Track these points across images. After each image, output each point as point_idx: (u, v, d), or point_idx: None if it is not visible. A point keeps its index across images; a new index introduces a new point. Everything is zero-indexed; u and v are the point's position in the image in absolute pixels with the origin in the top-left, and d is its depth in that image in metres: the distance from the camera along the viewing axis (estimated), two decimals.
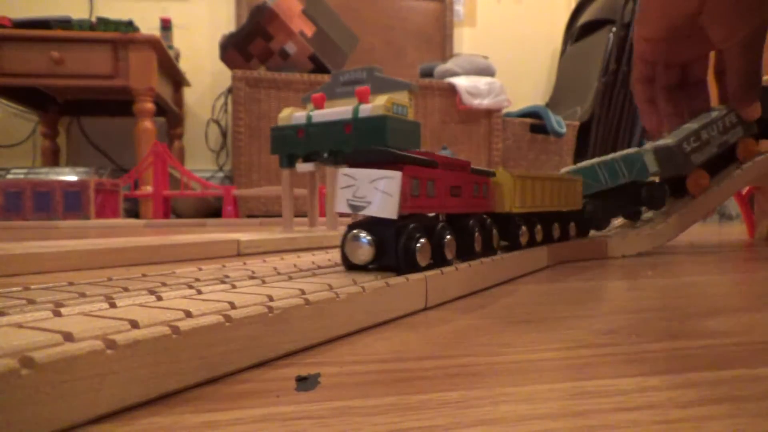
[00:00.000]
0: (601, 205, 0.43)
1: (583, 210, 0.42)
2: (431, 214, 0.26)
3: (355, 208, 0.22)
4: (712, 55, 0.49)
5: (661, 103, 0.49)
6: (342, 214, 0.25)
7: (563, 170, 0.45)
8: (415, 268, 0.23)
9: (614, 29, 2.03)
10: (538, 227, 0.35)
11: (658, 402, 0.12)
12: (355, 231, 0.22)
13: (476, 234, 0.28)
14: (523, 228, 0.33)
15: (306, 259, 0.28)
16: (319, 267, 0.26)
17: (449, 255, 0.25)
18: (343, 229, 0.61)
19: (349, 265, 0.23)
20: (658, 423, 0.11)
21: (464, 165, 0.28)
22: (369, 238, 0.22)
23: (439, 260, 0.25)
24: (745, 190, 0.63)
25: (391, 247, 0.22)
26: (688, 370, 0.14)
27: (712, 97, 0.50)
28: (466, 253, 0.27)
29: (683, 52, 0.47)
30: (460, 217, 0.28)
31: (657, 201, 0.45)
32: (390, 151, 0.22)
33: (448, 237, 0.25)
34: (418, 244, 0.22)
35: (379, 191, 0.21)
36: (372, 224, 0.22)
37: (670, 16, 0.44)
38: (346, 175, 0.22)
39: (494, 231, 0.30)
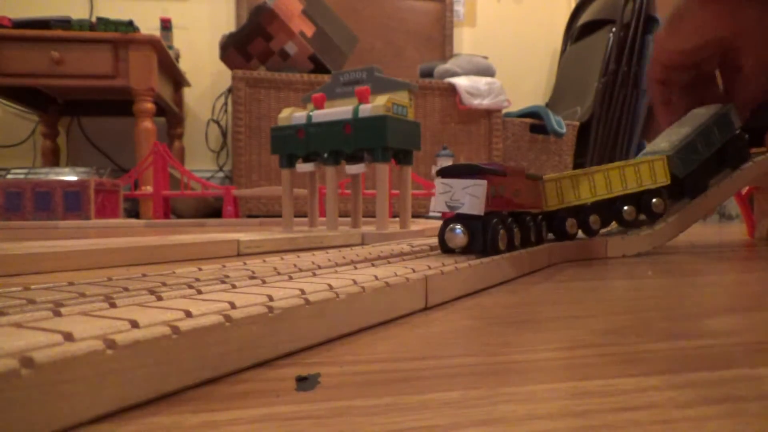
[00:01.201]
0: (695, 173, 0.45)
1: (680, 181, 0.45)
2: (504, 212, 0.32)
3: (452, 208, 0.29)
4: None
5: (677, 101, 0.50)
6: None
7: (649, 149, 0.46)
8: (497, 251, 0.29)
9: (614, 29, 2.03)
10: (594, 217, 0.41)
11: (658, 402, 0.12)
12: (451, 224, 0.29)
13: (531, 227, 0.35)
14: (571, 220, 0.40)
15: (306, 259, 0.28)
16: (320, 267, 0.26)
17: (516, 242, 0.32)
18: (343, 229, 0.61)
19: (445, 249, 0.30)
20: (658, 423, 0.11)
21: (521, 171, 0.34)
22: (462, 229, 0.29)
23: (510, 247, 0.31)
24: (745, 190, 0.63)
25: (479, 236, 0.29)
26: (688, 370, 0.14)
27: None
28: (524, 243, 0.34)
29: (701, 55, 0.47)
30: (520, 214, 0.34)
31: (742, 153, 0.47)
32: (477, 166, 0.29)
33: (516, 229, 0.32)
34: (499, 234, 0.29)
35: (470, 195, 0.28)
36: (464, 219, 0.29)
37: (703, 35, 0.45)
38: (443, 183, 0.29)
39: (543, 225, 0.38)
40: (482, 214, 0.28)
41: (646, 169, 0.42)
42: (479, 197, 0.28)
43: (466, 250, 0.30)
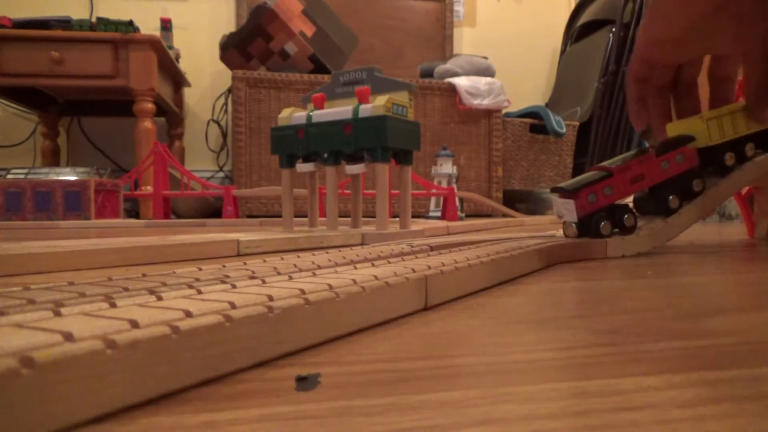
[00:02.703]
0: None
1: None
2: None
3: (559, 216, 0.43)
4: (706, 57, 0.49)
5: (651, 101, 0.49)
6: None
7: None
8: (601, 236, 0.42)
9: (614, 29, 2.03)
10: (750, 144, 0.47)
11: (658, 402, 0.12)
12: (566, 222, 0.43)
13: (671, 197, 0.44)
14: (729, 153, 0.46)
15: (306, 259, 0.28)
16: (320, 267, 0.26)
17: (628, 224, 0.42)
18: (343, 229, 0.61)
19: (566, 236, 0.43)
20: (658, 423, 0.11)
21: (647, 157, 0.43)
22: (576, 222, 0.42)
23: (623, 230, 0.43)
24: (745, 190, 0.63)
25: (588, 226, 0.42)
26: (688, 370, 0.14)
27: (702, 100, 0.50)
28: (685, 197, 0.45)
29: (685, 54, 0.46)
30: (655, 188, 0.44)
31: None
32: (570, 187, 0.41)
33: (626, 216, 0.42)
34: (601, 224, 0.42)
35: (566, 209, 0.42)
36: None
37: (688, 15, 0.43)
38: (557, 200, 0.42)
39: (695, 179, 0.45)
40: (576, 221, 0.41)
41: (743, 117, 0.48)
42: (572, 210, 0.41)
43: (580, 236, 0.42)
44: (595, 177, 0.41)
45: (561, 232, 0.46)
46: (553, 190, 0.43)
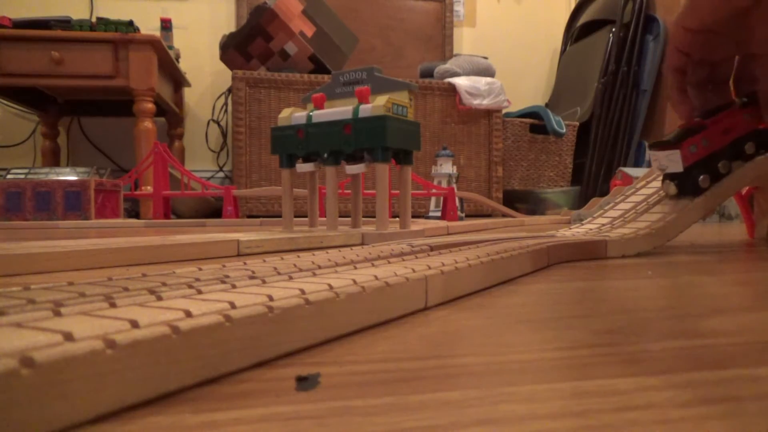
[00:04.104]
0: None
1: None
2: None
3: (662, 169, 0.46)
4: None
5: (691, 92, 0.50)
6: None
7: None
8: (700, 191, 0.45)
9: (614, 29, 2.03)
10: None
11: (658, 402, 0.12)
12: (667, 180, 0.47)
13: (747, 144, 0.46)
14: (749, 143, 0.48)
15: (306, 259, 0.28)
16: (320, 267, 0.26)
17: (723, 170, 0.46)
18: (343, 229, 0.61)
19: (668, 195, 0.47)
20: (658, 423, 0.11)
21: (733, 111, 0.46)
22: (676, 181, 0.46)
23: (715, 179, 0.46)
24: (745, 190, 0.63)
25: (687, 182, 0.45)
26: (688, 370, 0.14)
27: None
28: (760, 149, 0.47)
29: (716, 50, 0.47)
30: (738, 139, 0.46)
31: None
32: (674, 139, 0.44)
33: (721, 163, 0.45)
34: (700, 178, 0.45)
35: (671, 160, 0.44)
36: (675, 175, 0.46)
37: (721, 9, 0.44)
38: (653, 153, 0.46)
39: None
40: (681, 170, 0.44)
41: None
42: (677, 161, 0.43)
43: (680, 195, 0.46)
44: (694, 129, 0.44)
45: (562, 233, 0.46)
46: (655, 144, 0.46)
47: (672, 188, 0.46)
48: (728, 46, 0.46)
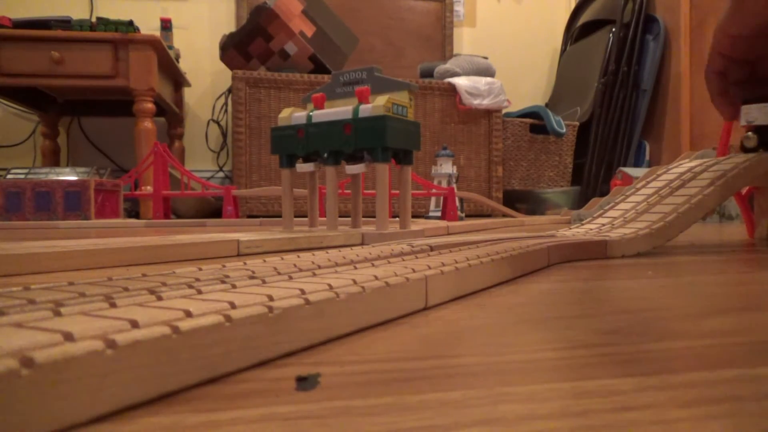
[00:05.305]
0: None
1: None
2: None
3: (750, 121, 0.49)
4: None
5: (734, 92, 0.51)
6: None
7: None
8: None
9: (614, 29, 2.03)
10: None
11: (657, 402, 0.12)
12: (749, 134, 0.50)
13: None
14: None
15: (306, 259, 0.28)
16: (320, 267, 0.26)
17: None
18: (343, 229, 0.61)
19: (745, 149, 0.52)
20: (658, 423, 0.11)
21: None
22: (756, 136, 0.50)
23: None
24: (745, 190, 0.63)
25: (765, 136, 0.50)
26: (688, 370, 0.14)
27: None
28: None
29: (758, 50, 0.48)
30: None
31: None
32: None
33: None
34: None
35: (763, 113, 0.48)
36: (758, 128, 0.50)
37: (765, 14, 0.45)
38: (745, 107, 0.49)
39: None
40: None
41: None
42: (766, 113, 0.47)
43: (760, 148, 0.50)
44: None
45: (562, 233, 0.46)
46: (749, 100, 0.50)
47: (753, 140, 0.50)
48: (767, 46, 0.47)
